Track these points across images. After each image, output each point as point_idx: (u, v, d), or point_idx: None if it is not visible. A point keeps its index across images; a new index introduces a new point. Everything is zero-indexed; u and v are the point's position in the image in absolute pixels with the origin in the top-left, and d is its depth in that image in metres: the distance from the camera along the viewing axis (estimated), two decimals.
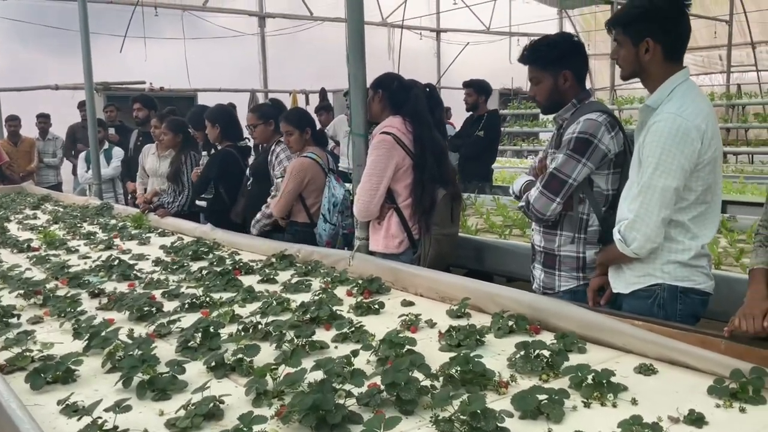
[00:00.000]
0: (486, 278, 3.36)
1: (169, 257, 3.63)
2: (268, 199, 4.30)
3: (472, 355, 1.77)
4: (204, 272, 3.10)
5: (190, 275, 3.11)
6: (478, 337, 2.07)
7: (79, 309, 2.52)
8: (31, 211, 6.04)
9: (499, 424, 1.44)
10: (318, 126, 5.34)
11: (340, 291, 2.77)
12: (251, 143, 5.21)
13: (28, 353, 2.00)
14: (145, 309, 2.49)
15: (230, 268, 3.20)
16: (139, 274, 3.20)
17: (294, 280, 2.94)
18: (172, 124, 5.34)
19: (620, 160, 2.47)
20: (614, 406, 1.60)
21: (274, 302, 2.49)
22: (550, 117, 2.69)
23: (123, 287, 2.93)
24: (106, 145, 7.53)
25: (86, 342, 2.07)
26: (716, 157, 2.16)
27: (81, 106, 8.33)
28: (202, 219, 4.92)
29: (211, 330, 2.12)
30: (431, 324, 2.29)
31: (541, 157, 2.74)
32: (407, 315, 2.32)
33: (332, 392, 1.56)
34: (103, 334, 2.07)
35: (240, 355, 1.89)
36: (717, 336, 1.87)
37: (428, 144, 3.33)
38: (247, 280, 2.98)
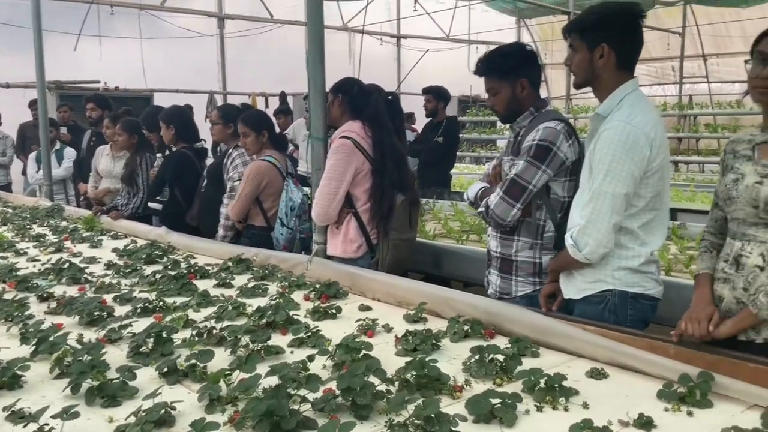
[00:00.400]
0: (444, 283, 3.38)
1: (122, 261, 3.56)
2: (222, 208, 4.24)
3: (427, 359, 1.78)
4: (158, 276, 3.05)
5: (143, 279, 3.05)
6: (434, 341, 2.08)
7: (26, 313, 2.46)
8: None
9: (452, 428, 1.45)
10: (277, 129, 5.31)
11: (297, 295, 2.75)
12: (208, 145, 5.16)
13: None
14: (96, 314, 2.42)
15: (185, 271, 3.15)
16: (89, 277, 3.13)
17: (250, 285, 2.91)
18: (127, 125, 5.24)
19: (576, 167, 2.52)
20: (566, 409, 1.62)
21: (230, 307, 2.47)
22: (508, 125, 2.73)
23: (73, 291, 2.86)
24: (58, 145, 7.36)
25: (34, 347, 2.02)
26: (664, 165, 2.21)
27: (32, 104, 8.11)
28: (155, 222, 4.82)
29: (164, 335, 2.08)
30: (388, 329, 2.29)
31: (494, 164, 2.78)
32: (364, 320, 2.32)
33: (287, 398, 1.55)
34: (51, 339, 2.02)
35: (193, 361, 1.86)
36: (666, 341, 1.91)
37: (387, 149, 3.34)
38: (203, 285, 2.94)
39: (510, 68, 2.60)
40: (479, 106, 13.49)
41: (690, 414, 1.60)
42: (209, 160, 5.15)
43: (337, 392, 1.60)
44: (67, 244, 4.11)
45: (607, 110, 2.23)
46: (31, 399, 1.72)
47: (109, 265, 3.41)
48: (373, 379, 1.66)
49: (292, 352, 2.06)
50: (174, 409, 1.58)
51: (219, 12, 12.42)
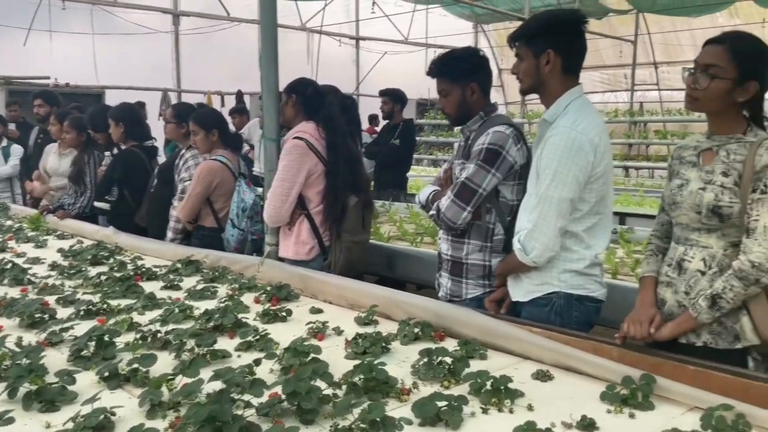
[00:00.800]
0: (398, 286, 3.38)
1: (67, 261, 3.46)
2: (172, 210, 4.17)
3: (376, 362, 1.77)
4: (103, 278, 2.97)
5: (88, 281, 2.97)
6: (384, 344, 2.07)
7: None
8: None
9: None
10: (232, 129, 5.25)
11: (248, 298, 2.71)
12: (159, 144, 5.06)
13: None
14: (37, 316, 2.35)
15: (131, 273, 3.08)
16: (33, 278, 3.03)
17: (199, 287, 2.85)
18: (75, 123, 5.11)
19: (524, 172, 2.54)
20: (511, 411, 1.63)
21: (176, 309, 2.41)
22: None
23: (15, 292, 2.77)
24: (5, 142, 7.12)
25: None
26: (608, 171, 2.25)
27: None
28: (102, 222, 4.70)
29: (106, 338, 2.03)
30: (338, 331, 2.27)
31: (446, 167, 2.79)
32: (315, 322, 2.30)
33: (230, 403, 1.52)
34: None
35: (135, 365, 1.82)
36: (610, 343, 1.95)
37: (341, 151, 3.33)
38: (149, 287, 2.87)
39: (462, 72, 2.62)
40: (437, 109, 13.58)
41: (632, 416, 1.62)
42: (161, 159, 5.05)
43: (283, 397, 1.58)
44: (11, 243, 3.99)
45: (554, 116, 2.26)
46: None
47: (54, 266, 3.32)
48: (320, 383, 1.64)
49: (239, 356, 2.03)
50: (114, 414, 1.54)
51: (174, 9, 12.22)
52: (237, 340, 2.14)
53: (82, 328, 2.19)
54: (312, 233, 3.30)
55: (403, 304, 2.40)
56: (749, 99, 1.91)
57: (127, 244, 3.90)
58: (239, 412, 1.52)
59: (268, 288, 2.80)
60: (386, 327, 2.32)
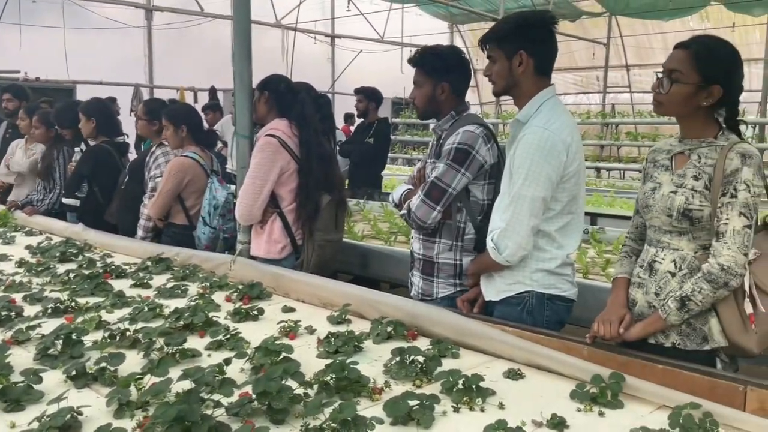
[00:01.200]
0: (372, 284, 3.38)
1: (35, 258, 3.40)
2: (142, 208, 4.11)
3: (348, 361, 1.77)
4: (71, 275, 2.92)
5: (56, 278, 2.92)
6: (356, 343, 2.06)
7: None
8: None
9: (369, 431, 1.44)
10: (206, 125, 5.19)
11: (219, 296, 2.69)
12: (130, 140, 4.98)
13: None
14: (3, 313, 2.31)
15: (100, 270, 3.03)
16: None
17: (169, 285, 2.82)
18: (44, 117, 5.02)
19: (494, 171, 2.56)
20: (482, 410, 1.64)
21: (146, 308, 2.38)
22: None
23: None
24: None
25: None
26: (580, 170, 2.27)
27: None
28: (70, 218, 4.62)
29: (74, 337, 2.00)
30: (311, 330, 2.26)
31: (419, 167, 2.80)
32: (287, 321, 2.28)
33: (199, 402, 1.50)
34: None
35: (103, 364, 1.79)
36: (580, 342, 1.96)
37: (314, 149, 3.30)
38: (118, 284, 2.83)
39: (438, 68, 2.63)
40: (412, 108, 13.61)
41: (601, 414, 1.64)
42: (132, 156, 4.98)
43: (253, 396, 1.56)
44: None
45: (527, 116, 2.27)
46: None
47: (21, 263, 3.25)
48: (291, 383, 1.63)
49: (209, 356, 2.00)
50: (81, 414, 1.52)
51: (147, 3, 12.08)
52: (207, 339, 2.12)
53: (49, 326, 2.15)
54: (284, 232, 3.28)
55: (376, 303, 2.40)
56: (715, 103, 1.93)
57: (96, 241, 3.84)
58: (209, 412, 1.50)
59: (240, 286, 2.77)
60: (359, 326, 2.31)
